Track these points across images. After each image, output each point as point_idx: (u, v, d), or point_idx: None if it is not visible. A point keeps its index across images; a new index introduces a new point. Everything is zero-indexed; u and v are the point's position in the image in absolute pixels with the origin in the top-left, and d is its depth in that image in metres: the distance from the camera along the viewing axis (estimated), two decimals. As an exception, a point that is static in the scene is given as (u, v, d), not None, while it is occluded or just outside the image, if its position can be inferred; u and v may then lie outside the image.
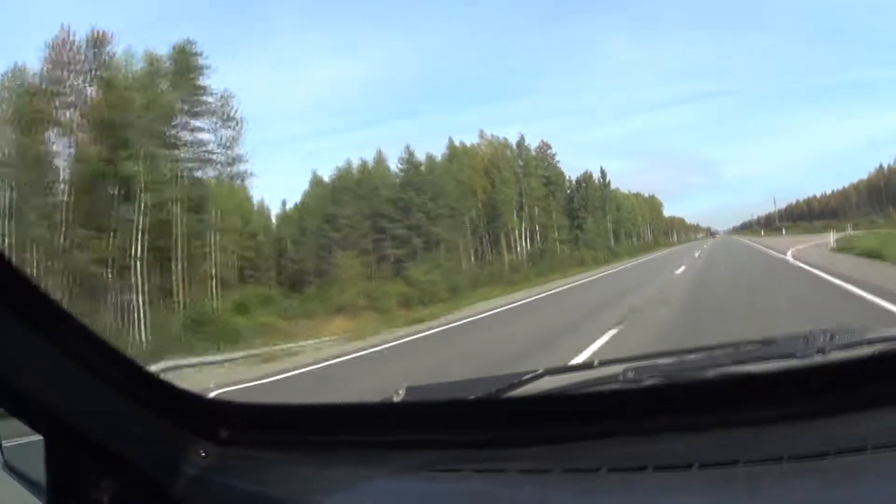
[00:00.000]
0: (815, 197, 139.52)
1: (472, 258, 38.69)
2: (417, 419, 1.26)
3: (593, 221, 55.58)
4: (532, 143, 47.17)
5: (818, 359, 1.19)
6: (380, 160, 37.77)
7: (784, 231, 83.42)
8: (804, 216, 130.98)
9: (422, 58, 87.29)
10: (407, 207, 35.28)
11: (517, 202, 43.11)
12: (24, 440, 1.33)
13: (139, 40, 32.01)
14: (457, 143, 41.45)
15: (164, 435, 1.17)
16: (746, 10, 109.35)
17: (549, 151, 49.25)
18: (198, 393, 1.32)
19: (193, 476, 1.17)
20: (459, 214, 37.54)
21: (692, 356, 1.36)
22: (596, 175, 59.07)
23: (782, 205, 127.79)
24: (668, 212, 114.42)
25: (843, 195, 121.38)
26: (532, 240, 44.38)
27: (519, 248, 42.92)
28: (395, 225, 34.60)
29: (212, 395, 2.45)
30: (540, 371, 1.42)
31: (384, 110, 77.32)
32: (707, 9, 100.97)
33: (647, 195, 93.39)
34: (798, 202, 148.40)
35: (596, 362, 1.46)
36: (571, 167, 61.54)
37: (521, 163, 45.47)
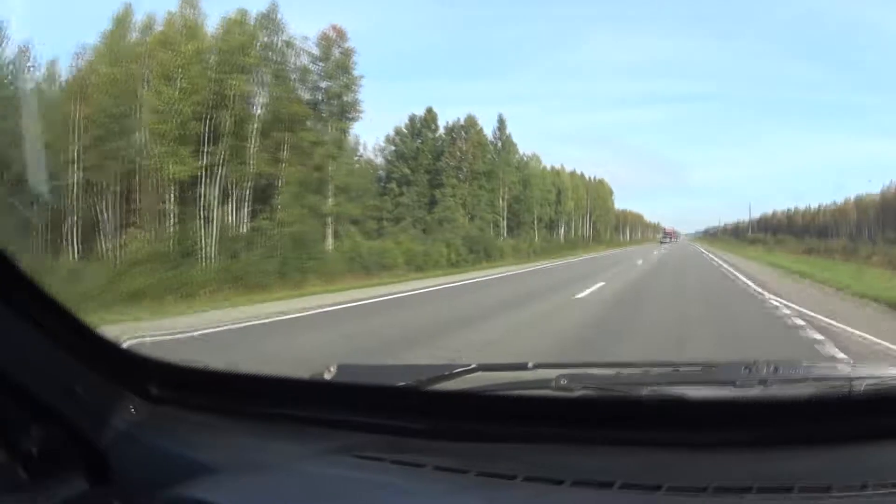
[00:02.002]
0: (797, 210, 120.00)
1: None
2: (346, 400, 1.24)
3: (469, 196, 32.73)
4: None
5: (758, 391, 1.17)
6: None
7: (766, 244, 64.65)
8: (781, 229, 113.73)
9: (398, 25, 79.45)
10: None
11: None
12: None
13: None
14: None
15: (94, 387, 1.15)
16: (734, 18, 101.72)
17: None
18: (130, 348, 1.30)
19: (121, 431, 1.16)
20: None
21: (629, 371, 1.38)
22: (492, 126, 36.88)
23: (755, 214, 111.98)
24: (627, 206, 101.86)
25: (839, 212, 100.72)
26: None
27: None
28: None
29: (126, 344, 1.42)
30: (473, 365, 1.43)
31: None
32: (694, 12, 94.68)
33: (591, 178, 72.83)
34: (775, 213, 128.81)
35: (530, 364, 1.44)
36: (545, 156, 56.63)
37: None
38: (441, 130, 38.15)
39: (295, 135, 23.50)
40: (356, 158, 34.67)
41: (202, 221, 21.49)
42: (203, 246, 21.29)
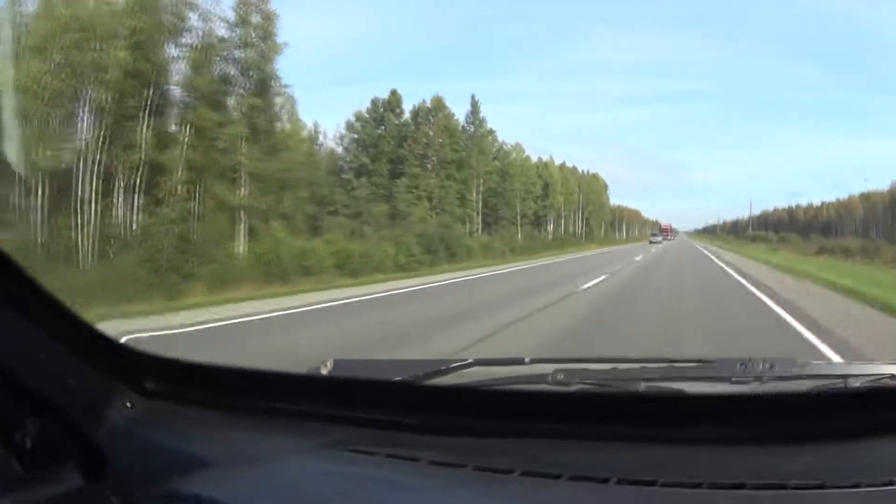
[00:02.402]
0: (798, 206, 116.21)
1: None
2: (341, 395, 1.24)
3: (436, 187, 28.50)
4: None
5: (754, 386, 1.18)
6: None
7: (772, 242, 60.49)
8: (782, 226, 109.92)
9: (399, 22, 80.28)
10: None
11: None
12: None
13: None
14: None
15: (90, 382, 1.15)
16: (733, 18, 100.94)
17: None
18: (125, 342, 1.27)
19: (117, 425, 1.16)
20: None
21: (625, 366, 1.35)
22: (464, 108, 32.75)
23: (756, 211, 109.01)
24: (626, 203, 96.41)
25: (844, 207, 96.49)
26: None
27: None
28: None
29: (124, 339, 1.37)
30: (469, 360, 1.43)
31: (359, 72, 68.64)
32: (693, 12, 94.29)
33: (584, 172, 68.64)
34: (775, 209, 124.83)
35: (527, 359, 1.46)
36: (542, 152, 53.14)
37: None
38: (407, 115, 33.76)
39: (195, 113, 19.07)
40: (317, 147, 30.42)
41: (77, 218, 17.19)
42: (79, 248, 17.06)
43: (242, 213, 20.45)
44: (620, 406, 1.06)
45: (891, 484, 0.83)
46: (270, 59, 21.11)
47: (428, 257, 23.35)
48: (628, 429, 1.00)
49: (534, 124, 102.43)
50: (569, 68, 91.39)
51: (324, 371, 1.39)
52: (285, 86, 21.86)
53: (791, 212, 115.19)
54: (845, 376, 1.22)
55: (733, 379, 1.22)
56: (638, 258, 28.60)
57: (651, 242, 62.11)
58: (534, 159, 49.11)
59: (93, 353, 1.16)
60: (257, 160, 20.17)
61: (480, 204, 35.73)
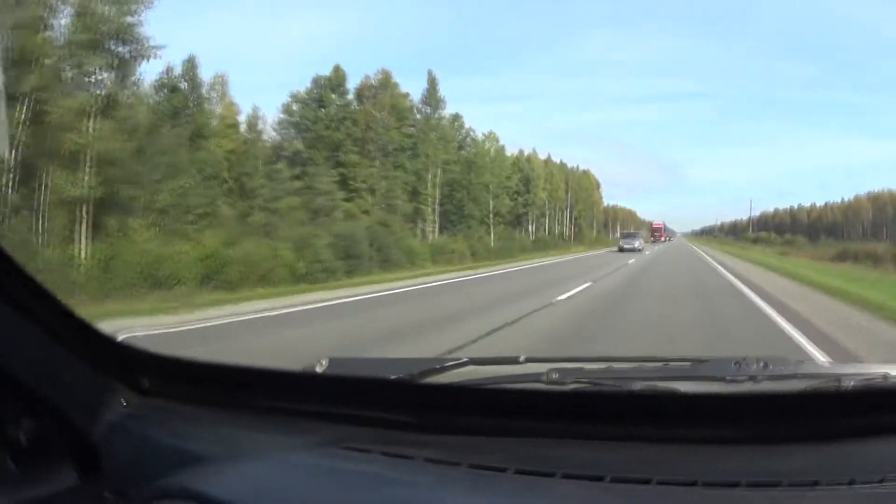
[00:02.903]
0: (800, 207, 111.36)
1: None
2: (336, 393, 1.24)
3: (380, 178, 23.48)
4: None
5: (748, 386, 1.18)
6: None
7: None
8: (783, 227, 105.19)
9: (394, 22, 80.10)
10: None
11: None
12: None
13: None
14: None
15: (85, 379, 1.16)
16: (730, 18, 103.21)
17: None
18: (122, 340, 1.27)
19: (113, 423, 1.16)
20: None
21: (620, 365, 1.38)
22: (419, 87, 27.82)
23: (755, 213, 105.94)
24: (621, 204, 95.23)
25: (850, 208, 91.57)
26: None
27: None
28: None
29: (121, 337, 1.33)
30: (464, 359, 1.43)
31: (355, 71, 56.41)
32: (693, 11, 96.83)
33: (574, 167, 63.50)
34: (777, 211, 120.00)
35: (522, 358, 1.45)
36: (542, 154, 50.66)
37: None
38: (351, 94, 28.32)
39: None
40: (257, 135, 25.08)
41: None
42: None
43: (85, 207, 15.07)
44: (614, 405, 1.05)
45: (884, 482, 0.83)
46: (128, 12, 15.68)
47: (344, 264, 17.86)
48: (622, 428, 0.99)
49: (530, 124, 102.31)
50: (565, 68, 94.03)
51: (319, 369, 1.36)
52: (156, 47, 16.34)
53: (793, 213, 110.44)
54: (838, 376, 1.20)
55: (727, 378, 1.20)
56: (631, 261, 24.89)
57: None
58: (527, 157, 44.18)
59: (89, 351, 1.15)
60: (107, 140, 14.78)
61: (437, 199, 30.29)
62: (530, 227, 47.85)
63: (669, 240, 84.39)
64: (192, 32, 54.73)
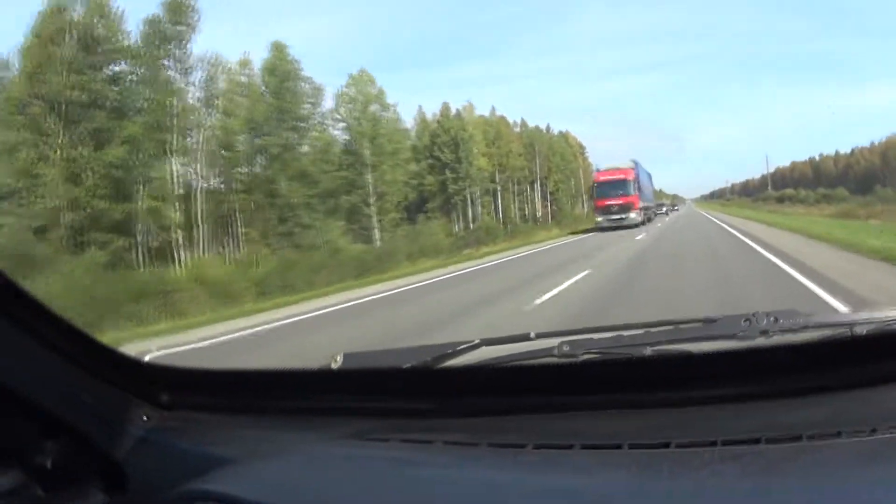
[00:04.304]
0: (824, 157, 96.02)
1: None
2: (353, 387, 1.27)
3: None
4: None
5: (760, 341, 1.18)
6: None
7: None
8: (805, 182, 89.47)
9: (388, 16, 63.96)
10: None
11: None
12: None
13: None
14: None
15: (105, 399, 1.18)
16: None
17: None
18: (137, 357, 1.30)
19: (136, 439, 1.18)
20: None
21: (630, 332, 1.35)
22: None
23: (768, 169, 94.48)
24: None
25: (889, 148, 76.63)
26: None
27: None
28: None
29: (148, 357, 1.67)
30: (476, 341, 1.43)
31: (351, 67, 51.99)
32: None
33: (547, 129, 49.41)
34: (794, 164, 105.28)
35: (533, 334, 1.45)
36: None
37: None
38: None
39: None
40: None
41: None
42: None
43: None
44: (627, 372, 1.06)
45: None
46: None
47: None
48: (638, 394, 1.00)
49: (527, 102, 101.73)
50: (558, 44, 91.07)
51: (334, 366, 1.38)
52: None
53: (815, 164, 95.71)
54: (851, 324, 1.18)
55: (738, 335, 1.20)
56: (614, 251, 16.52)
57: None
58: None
59: (105, 370, 1.17)
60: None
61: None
62: (469, 211, 33.47)
63: (671, 211, 65.18)
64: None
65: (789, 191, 74.03)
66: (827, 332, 1.15)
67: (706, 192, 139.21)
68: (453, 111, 33.57)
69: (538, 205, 44.14)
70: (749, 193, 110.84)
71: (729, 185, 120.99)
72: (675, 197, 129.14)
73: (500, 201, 37.37)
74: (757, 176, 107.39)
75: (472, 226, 32.82)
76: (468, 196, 33.44)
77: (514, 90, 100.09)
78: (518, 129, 43.69)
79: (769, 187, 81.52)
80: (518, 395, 1.07)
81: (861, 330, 1.10)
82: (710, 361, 1.04)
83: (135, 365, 1.25)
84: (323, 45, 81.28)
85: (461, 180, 32.32)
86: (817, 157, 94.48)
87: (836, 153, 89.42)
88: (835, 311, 2.99)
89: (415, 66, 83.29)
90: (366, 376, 1.29)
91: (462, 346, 1.38)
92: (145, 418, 1.20)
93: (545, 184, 45.23)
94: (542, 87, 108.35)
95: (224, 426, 1.25)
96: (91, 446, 1.11)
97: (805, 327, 1.21)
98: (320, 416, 1.21)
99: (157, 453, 1.16)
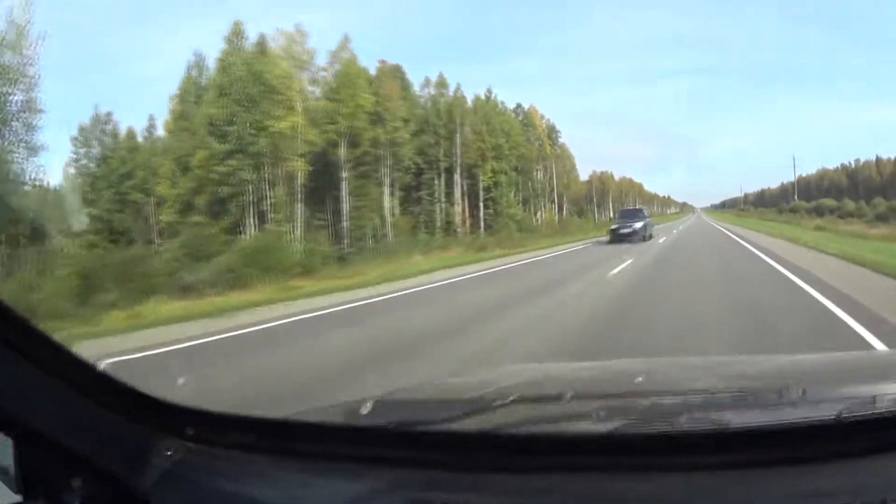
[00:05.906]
0: (860, 164, 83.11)
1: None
2: (384, 440, 1.28)
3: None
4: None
5: (787, 412, 1.25)
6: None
7: None
8: (838, 191, 76.59)
9: (395, 14, 79.86)
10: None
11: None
12: None
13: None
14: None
15: (129, 435, 1.19)
16: None
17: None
18: (160, 397, 1.28)
19: (161, 473, 1.19)
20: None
21: (668, 400, 1.46)
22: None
23: (788, 178, 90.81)
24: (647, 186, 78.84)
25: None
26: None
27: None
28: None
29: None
30: (512, 398, 1.47)
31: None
32: None
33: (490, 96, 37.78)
34: (825, 171, 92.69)
35: (569, 395, 1.50)
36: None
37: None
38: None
39: None
40: None
41: None
42: None
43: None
44: (666, 441, 1.10)
45: None
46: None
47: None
48: (674, 459, 1.04)
49: (541, 107, 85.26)
50: (572, 50, 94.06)
51: (364, 412, 1.41)
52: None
53: (849, 171, 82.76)
54: (873, 397, 1.26)
55: (770, 407, 1.29)
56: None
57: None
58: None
59: (127, 407, 1.18)
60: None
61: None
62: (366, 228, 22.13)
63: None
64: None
65: (828, 200, 61.71)
66: (849, 406, 1.16)
67: (717, 201, 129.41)
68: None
69: (457, 208, 31.50)
70: (765, 203, 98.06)
71: (742, 193, 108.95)
72: (684, 205, 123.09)
73: (345, 200, 25.12)
74: (774, 185, 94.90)
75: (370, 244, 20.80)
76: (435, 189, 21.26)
77: (518, 94, 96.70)
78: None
79: (795, 196, 68.84)
80: (555, 458, 1.09)
81: (881, 403, 1.17)
82: (745, 432, 1.10)
83: (157, 403, 1.24)
84: (322, 46, 71.82)
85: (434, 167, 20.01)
86: (851, 164, 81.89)
87: (878, 159, 76.98)
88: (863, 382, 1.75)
89: (414, 67, 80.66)
90: (396, 431, 1.30)
91: (496, 403, 1.42)
92: (168, 453, 1.20)
93: (475, 176, 32.79)
94: (545, 93, 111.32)
95: (252, 463, 1.25)
96: (115, 483, 1.12)
97: (831, 400, 1.29)
98: (353, 464, 1.21)
99: (183, 488, 1.17)
